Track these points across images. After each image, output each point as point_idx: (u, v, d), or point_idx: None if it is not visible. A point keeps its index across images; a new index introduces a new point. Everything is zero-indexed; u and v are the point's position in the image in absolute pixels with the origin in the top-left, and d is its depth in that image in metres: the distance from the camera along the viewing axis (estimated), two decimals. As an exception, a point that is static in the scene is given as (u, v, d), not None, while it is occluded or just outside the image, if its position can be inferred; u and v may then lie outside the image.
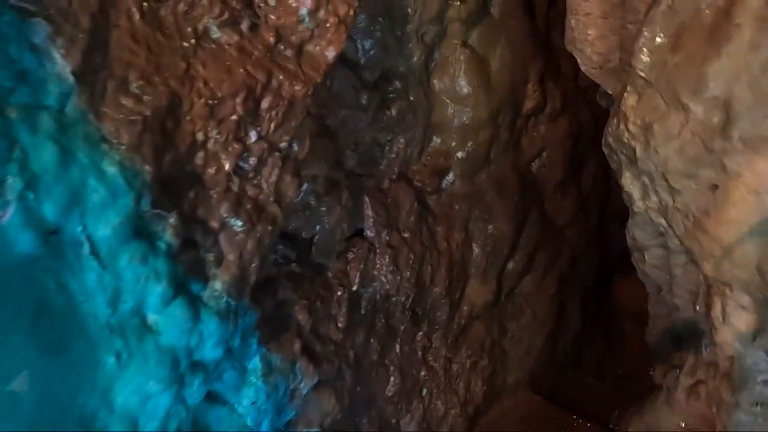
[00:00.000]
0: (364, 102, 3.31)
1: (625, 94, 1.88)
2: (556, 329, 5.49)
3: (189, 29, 2.06)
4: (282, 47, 2.39)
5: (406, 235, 3.93)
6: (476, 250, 4.58)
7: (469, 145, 4.32)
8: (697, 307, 1.99)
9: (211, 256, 2.23)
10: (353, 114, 3.28)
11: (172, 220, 1.99)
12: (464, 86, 4.06)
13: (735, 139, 1.67)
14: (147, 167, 1.87)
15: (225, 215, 2.26)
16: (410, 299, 4.02)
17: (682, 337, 2.44)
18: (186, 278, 2.08)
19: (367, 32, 3.23)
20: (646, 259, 2.13)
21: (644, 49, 1.77)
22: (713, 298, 1.82)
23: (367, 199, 3.69)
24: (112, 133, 1.76)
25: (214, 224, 2.23)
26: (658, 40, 1.75)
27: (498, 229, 4.60)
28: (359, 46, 3.25)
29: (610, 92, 2.67)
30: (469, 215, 4.54)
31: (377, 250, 3.72)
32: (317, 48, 2.50)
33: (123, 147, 1.78)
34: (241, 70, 2.19)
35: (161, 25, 1.96)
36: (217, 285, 2.23)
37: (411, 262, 3.96)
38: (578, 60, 2.63)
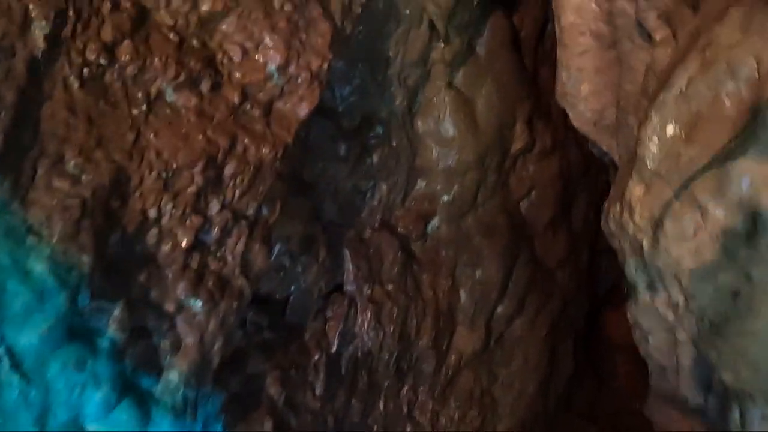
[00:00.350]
0: (342, 153, 3.10)
1: (630, 183, 1.69)
2: (549, 373, 5.27)
3: (139, 94, 1.83)
4: (248, 107, 2.17)
5: (389, 288, 3.70)
6: (464, 296, 4.36)
7: (455, 188, 4.12)
8: (709, 404, 1.79)
9: (166, 344, 1.98)
10: (331, 166, 3.07)
11: (117, 311, 1.75)
12: (450, 129, 3.87)
13: (763, 248, 1.46)
14: (85, 257, 1.63)
15: (182, 296, 2.02)
16: (394, 355, 3.78)
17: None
18: (134, 374, 1.83)
19: (345, 78, 3.03)
20: (649, 341, 1.94)
21: (654, 137, 1.58)
22: (731, 404, 1.62)
23: (347, 251, 3.46)
24: (41, 223, 1.52)
25: (170, 307, 1.99)
26: (669, 129, 1.55)
27: (486, 274, 4.39)
28: (337, 94, 3.04)
29: (605, 149, 2.48)
30: (455, 261, 4.33)
31: (358, 306, 3.48)
32: (288, 105, 2.29)
33: (55, 238, 1.54)
34: (201, 136, 1.96)
35: (106, 92, 1.73)
36: (173, 376, 1.98)
37: (395, 316, 3.73)
38: (570, 115, 2.45)
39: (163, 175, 1.86)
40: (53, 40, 1.56)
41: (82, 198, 1.62)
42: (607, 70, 2.22)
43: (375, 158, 3.46)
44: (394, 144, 3.59)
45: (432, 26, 3.27)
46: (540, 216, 4.93)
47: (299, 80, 2.28)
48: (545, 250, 5.13)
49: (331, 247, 3.29)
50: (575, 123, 2.44)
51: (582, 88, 2.30)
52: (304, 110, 2.32)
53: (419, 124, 3.79)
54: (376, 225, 3.73)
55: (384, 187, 3.66)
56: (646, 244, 1.62)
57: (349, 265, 3.42)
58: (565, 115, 4.95)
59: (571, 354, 5.67)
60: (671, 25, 1.72)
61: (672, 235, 1.57)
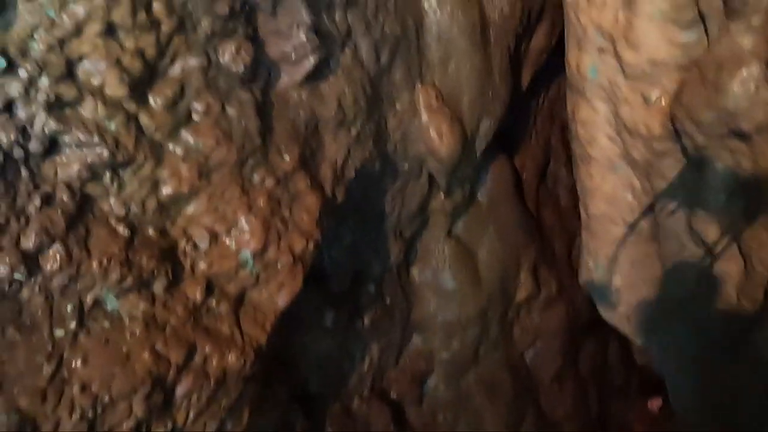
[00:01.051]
0: (329, 323, 2.68)
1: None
2: None
3: (68, 308, 1.43)
4: (213, 303, 1.78)
5: (378, 472, 3.15)
6: (465, 468, 3.80)
7: (454, 343, 3.69)
8: None
9: None
10: (317, 338, 2.64)
11: None
12: (449, 280, 3.50)
13: None
14: None
15: None
16: None
17: None
18: None
19: (336, 239, 2.68)
20: None
21: None
22: None
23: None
24: None
25: None
26: None
27: (489, 439, 3.86)
28: (326, 256, 2.68)
29: (639, 344, 2.09)
30: (455, 425, 3.82)
31: (342, 499, 2.92)
32: (264, 295, 1.90)
33: None
34: (146, 353, 1.54)
35: (19, 314, 1.33)
36: None
37: (385, 505, 3.15)
38: (597, 305, 2.07)
39: (89, 414, 1.41)
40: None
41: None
42: (644, 262, 1.87)
43: (366, 320, 3.05)
44: (388, 302, 3.20)
45: (432, 178, 2.99)
46: (546, 368, 4.48)
47: (279, 266, 1.91)
48: (552, 404, 4.64)
49: (314, 428, 2.79)
50: (604, 314, 2.07)
51: (614, 280, 1.94)
52: (283, 299, 1.93)
53: (416, 275, 3.43)
54: (366, 392, 3.26)
55: (376, 348, 3.22)
56: None
57: (332, 449, 2.89)
58: (569, 258, 4.68)
59: None
60: (737, 242, 1.40)
61: None
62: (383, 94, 2.47)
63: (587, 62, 1.54)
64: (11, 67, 1.32)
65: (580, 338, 4.85)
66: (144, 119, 1.60)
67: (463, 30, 2.69)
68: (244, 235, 1.82)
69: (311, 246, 1.99)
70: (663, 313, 1.81)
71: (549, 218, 4.39)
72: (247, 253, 1.82)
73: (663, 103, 1.41)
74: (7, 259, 1.30)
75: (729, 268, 1.46)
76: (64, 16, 1.38)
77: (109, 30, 1.47)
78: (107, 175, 1.54)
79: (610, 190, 1.74)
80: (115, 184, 1.56)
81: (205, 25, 1.68)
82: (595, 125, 1.63)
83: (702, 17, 1.26)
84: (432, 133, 2.68)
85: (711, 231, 1.44)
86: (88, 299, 1.48)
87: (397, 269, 3.27)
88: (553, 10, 3.11)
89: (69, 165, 1.46)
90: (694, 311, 1.69)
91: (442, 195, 3.17)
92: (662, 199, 1.61)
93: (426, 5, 2.58)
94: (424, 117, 2.66)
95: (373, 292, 3.08)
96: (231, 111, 1.80)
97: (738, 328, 1.47)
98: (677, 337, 1.84)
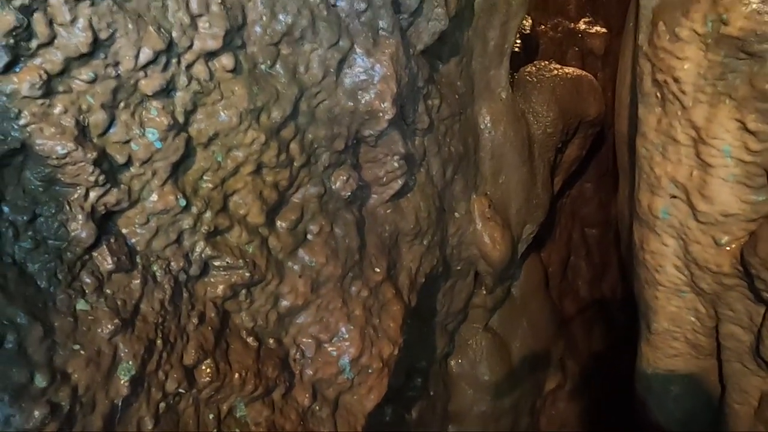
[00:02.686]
0: (388, 418, 2.80)
1: None
2: None
3: (210, 416, 1.58)
4: (317, 407, 1.92)
5: None
6: None
7: (487, 434, 3.78)
8: None
9: None
10: (375, 435, 2.74)
11: None
12: (485, 372, 3.64)
13: None
14: None
15: None
16: None
17: None
18: None
19: (397, 340, 2.84)
20: None
21: None
22: None
23: None
24: None
25: None
26: None
27: None
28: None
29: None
30: None
31: None
32: (355, 398, 2.05)
33: None
34: (270, 459, 1.68)
35: (176, 425, 1.47)
36: None
37: None
38: (654, 412, 2.24)
39: None
40: (137, 380, 1.34)
41: None
42: (702, 376, 2.06)
43: (414, 414, 3.16)
44: (431, 393, 3.33)
45: (476, 276, 3.19)
46: (570, 457, 4.53)
47: (370, 371, 2.07)
48: (575, 495, 4.65)
49: None
50: (660, 419, 2.23)
51: (671, 389, 2.12)
52: (372, 402, 2.08)
53: (453, 364, 3.58)
54: (406, 486, 3.30)
55: (418, 440, 3.31)
56: None
57: None
58: (590, 348, 4.85)
59: None
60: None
61: None
62: (446, 205, 2.72)
63: (659, 205, 1.80)
64: (187, 206, 1.53)
65: (601, 427, 4.92)
66: (272, 242, 1.81)
67: (513, 146, 2.99)
68: (344, 343, 1.99)
69: (396, 351, 2.17)
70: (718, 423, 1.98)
71: (570, 309, 4.60)
72: (346, 360, 1.99)
73: (733, 246, 1.66)
74: (175, 375, 1.46)
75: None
76: (228, 160, 1.62)
77: (258, 169, 1.70)
78: (243, 293, 1.73)
79: (674, 311, 1.95)
80: (248, 300, 1.75)
81: (324, 158, 1.92)
82: (663, 256, 1.86)
83: (771, 182, 1.53)
84: (486, 239, 2.91)
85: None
86: (225, 408, 1.63)
87: (439, 364, 3.42)
88: (587, 125, 3.46)
89: (216, 285, 1.65)
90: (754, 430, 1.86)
91: (484, 292, 3.37)
92: (727, 325, 1.82)
93: (482, 125, 2.88)
94: (479, 224, 2.91)
95: (419, 385, 3.21)
96: (337, 230, 2.02)
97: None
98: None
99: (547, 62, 3.30)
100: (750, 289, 1.69)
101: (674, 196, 1.75)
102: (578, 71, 3.33)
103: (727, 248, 1.68)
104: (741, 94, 1.44)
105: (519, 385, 3.83)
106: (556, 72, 3.21)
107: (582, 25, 4.12)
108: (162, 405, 1.44)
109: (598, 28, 4.10)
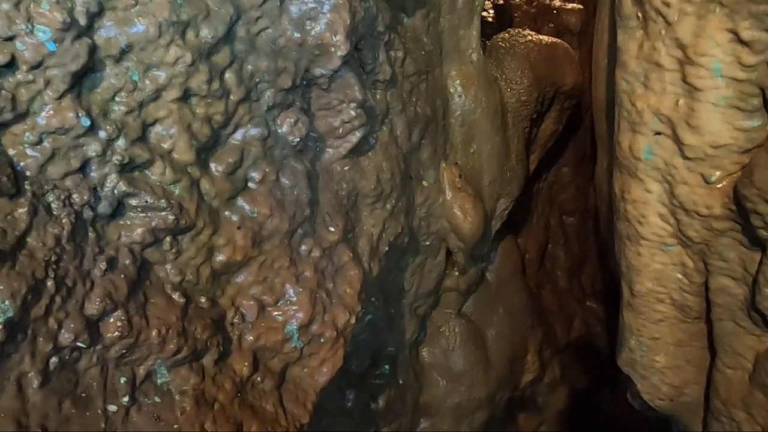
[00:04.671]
0: (350, 404, 2.56)
1: None
2: None
3: (121, 380, 1.33)
4: (258, 379, 1.68)
5: None
6: None
7: (462, 429, 3.56)
8: None
9: None
10: (336, 422, 2.50)
11: None
12: (459, 361, 3.42)
13: None
14: None
15: None
16: None
17: None
18: None
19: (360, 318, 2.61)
20: None
21: None
22: None
23: None
24: None
25: None
26: None
27: None
28: (347, 333, 2.59)
29: (681, 428, 2.04)
30: None
31: None
32: (305, 371, 1.81)
33: None
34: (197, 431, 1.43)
35: (75, 386, 1.22)
36: None
37: None
38: (638, 386, 2.03)
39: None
40: (15, 325, 1.09)
41: None
42: (690, 342, 1.87)
43: (381, 403, 2.92)
44: (401, 381, 3.10)
45: (448, 256, 2.99)
46: (550, 456, 4.33)
47: (322, 340, 1.83)
48: (556, 496, 4.45)
49: None
50: (645, 395, 2.03)
51: (657, 359, 1.93)
52: (324, 376, 1.84)
53: (425, 354, 3.36)
54: (374, 481, 3.06)
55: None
56: None
57: None
58: (568, 340, 4.66)
59: None
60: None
61: None
62: (412, 172, 2.52)
63: (641, 144, 1.61)
64: (92, 128, 1.30)
65: (583, 423, 4.74)
66: (205, 185, 1.58)
67: (485, 113, 2.80)
68: (291, 307, 1.76)
69: (353, 320, 1.94)
70: (718, 402, 1.78)
71: (548, 299, 4.42)
72: (293, 326, 1.75)
73: (725, 183, 1.47)
74: (72, 326, 1.21)
75: (794, 347, 1.48)
76: (147, 81, 1.39)
77: (185, 96, 1.48)
78: (167, 240, 1.49)
79: (658, 268, 1.76)
80: (174, 250, 1.51)
81: (268, 96, 1.70)
82: (647, 205, 1.67)
83: (767, 103, 1.35)
84: (456, 210, 2.71)
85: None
86: (141, 371, 1.38)
87: (409, 352, 3.20)
88: (564, 97, 3.29)
89: (133, 228, 1.41)
90: (749, 396, 1.67)
91: (456, 273, 3.16)
92: (718, 278, 1.63)
93: (452, 89, 2.69)
94: (449, 194, 2.70)
95: (387, 372, 2.98)
96: (284, 180, 1.80)
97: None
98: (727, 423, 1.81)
99: (520, 29, 3.14)
100: (744, 232, 1.50)
101: (658, 133, 1.56)
102: (553, 39, 3.17)
103: (718, 186, 1.49)
104: (733, -1, 1.26)
105: (495, 377, 3.62)
106: (530, 38, 3.04)
107: (557, 2, 3.98)
108: (53, 360, 1.19)
109: (574, 5, 3.96)
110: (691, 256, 1.69)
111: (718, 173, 1.48)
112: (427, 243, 2.79)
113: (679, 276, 1.74)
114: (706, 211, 1.53)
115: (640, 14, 1.49)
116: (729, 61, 1.35)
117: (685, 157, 1.52)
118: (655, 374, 1.98)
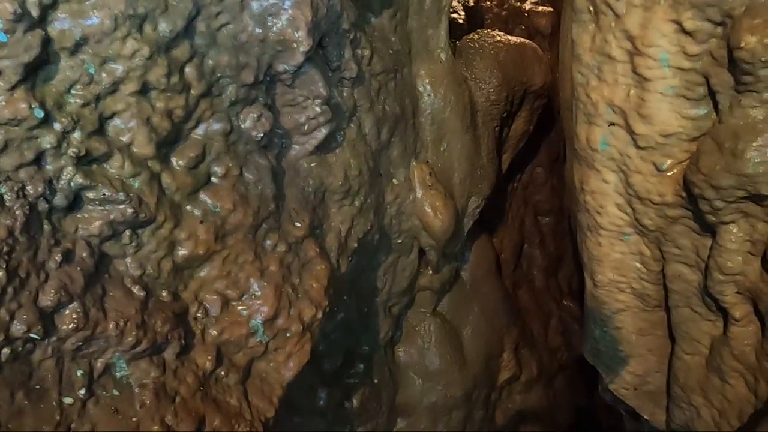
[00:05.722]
0: (322, 402, 2.55)
1: None
2: None
3: (78, 373, 1.32)
4: (222, 373, 1.68)
5: None
6: None
7: (439, 428, 3.57)
8: None
9: None
10: (308, 421, 2.50)
11: None
12: (435, 360, 3.43)
13: None
14: None
15: None
16: None
17: None
18: None
19: (331, 314, 2.61)
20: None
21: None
22: None
23: None
24: None
25: None
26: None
27: None
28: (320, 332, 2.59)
29: (646, 417, 2.07)
30: None
31: None
32: (271, 366, 1.81)
33: None
34: (156, 426, 1.42)
35: (29, 379, 1.21)
36: None
37: None
38: (604, 376, 2.06)
39: (94, 494, 1.26)
40: (-35, 315, 1.09)
41: None
42: (651, 331, 1.91)
43: (355, 402, 2.92)
44: (375, 381, 3.10)
45: (421, 254, 3.01)
46: (528, 455, 4.35)
47: (288, 334, 1.84)
48: (535, 494, 4.47)
49: None
50: (611, 385, 2.06)
51: (620, 349, 1.96)
52: (290, 371, 1.85)
53: (401, 353, 3.37)
54: (349, 483, 3.05)
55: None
56: None
57: None
58: (546, 340, 4.70)
59: None
60: (755, 302, 1.46)
61: None
62: (382, 169, 2.54)
63: (597, 135, 1.65)
64: (46, 120, 1.30)
65: (561, 423, 4.76)
66: (166, 179, 1.58)
67: (454, 112, 2.83)
68: (256, 301, 1.76)
69: (320, 315, 1.95)
70: (677, 388, 1.82)
71: (525, 299, 4.45)
72: (258, 321, 1.75)
73: (675, 170, 1.51)
74: (25, 317, 1.21)
75: (746, 331, 1.51)
76: (103, 73, 1.39)
77: (144, 89, 1.48)
78: (126, 234, 1.49)
79: (618, 257, 1.79)
80: (133, 244, 1.51)
81: (230, 91, 1.71)
82: (604, 195, 1.71)
83: (711, 93, 1.39)
84: (426, 208, 2.73)
85: (728, 294, 1.50)
86: (99, 365, 1.38)
87: (384, 351, 3.21)
88: (533, 97, 3.34)
89: (90, 221, 1.41)
90: (706, 381, 1.71)
91: (430, 272, 3.18)
92: (674, 265, 1.67)
93: (421, 87, 2.72)
94: (419, 192, 2.73)
95: (362, 371, 2.98)
96: (248, 175, 1.80)
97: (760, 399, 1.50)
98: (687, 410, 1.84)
99: (489, 30, 3.18)
100: (695, 218, 1.54)
101: (612, 123, 1.60)
102: (522, 39, 3.22)
103: (669, 174, 1.53)
104: (675, -10, 1.30)
105: (471, 375, 3.64)
106: (498, 39, 3.08)
107: (528, 5, 4.05)
108: (5, 351, 1.18)
109: (545, 8, 4.03)
110: (647, 245, 1.72)
111: (668, 161, 1.52)
112: (399, 241, 2.81)
113: (638, 265, 1.78)
114: (659, 199, 1.56)
115: (591, 8, 1.53)
116: (675, 51, 1.39)
117: (638, 147, 1.56)
118: (619, 364, 2.01)
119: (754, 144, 1.28)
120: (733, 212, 1.39)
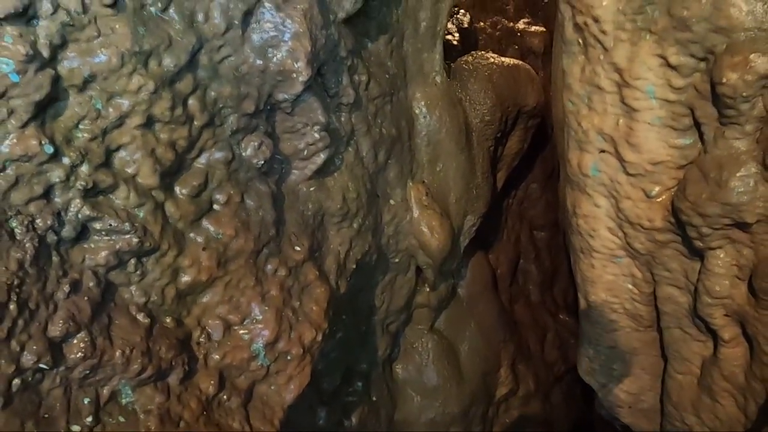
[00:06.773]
0: (322, 422, 2.58)
1: None
2: None
3: (85, 401, 1.35)
4: (224, 397, 1.71)
5: None
6: None
7: (437, 444, 3.59)
8: None
9: None
10: (308, 439, 2.52)
11: None
12: (433, 377, 3.46)
13: None
14: None
15: None
16: None
17: None
18: None
19: (331, 333, 2.64)
20: None
21: None
22: None
23: None
24: None
25: None
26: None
27: None
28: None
29: (640, 434, 2.11)
30: None
31: None
32: (272, 389, 1.85)
33: None
34: (161, 451, 1.45)
35: (38, 408, 1.25)
36: None
37: None
38: (599, 394, 2.10)
39: None
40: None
41: None
42: (644, 351, 1.95)
43: (354, 420, 2.95)
44: (374, 399, 3.13)
45: (418, 272, 3.05)
46: (526, 469, 4.36)
47: (288, 357, 1.87)
48: None
49: None
50: (606, 403, 2.09)
51: (614, 368, 2.00)
52: (291, 393, 1.88)
53: (399, 370, 3.40)
54: (350, 500, 3.06)
55: (361, 450, 3.08)
56: None
57: None
58: (543, 354, 4.73)
59: None
60: (743, 325, 1.50)
61: None
62: (379, 191, 2.58)
63: (588, 162, 1.70)
64: (56, 155, 1.34)
65: (558, 435, 4.78)
66: (170, 208, 1.62)
67: (450, 133, 2.89)
68: (257, 326, 1.80)
69: (320, 337, 1.98)
70: (671, 406, 1.86)
71: (521, 314, 4.48)
72: (259, 345, 1.79)
73: (664, 197, 1.56)
74: (35, 348, 1.24)
75: (735, 352, 1.56)
76: (110, 108, 1.44)
77: (148, 122, 1.53)
78: (132, 263, 1.53)
79: (611, 279, 1.84)
80: (138, 272, 1.55)
81: (231, 121, 1.76)
82: (596, 219, 1.76)
83: (697, 124, 1.45)
84: (423, 228, 2.78)
85: (716, 317, 1.55)
86: (105, 392, 1.41)
87: (382, 368, 3.24)
88: (527, 117, 3.41)
89: (97, 251, 1.45)
90: (698, 400, 1.75)
91: (427, 289, 3.22)
92: (664, 287, 1.72)
93: (416, 110, 2.78)
94: (416, 212, 2.77)
95: (360, 389, 3.01)
96: (249, 202, 1.85)
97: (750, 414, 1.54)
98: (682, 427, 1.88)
99: (483, 52, 3.25)
100: (684, 243, 1.59)
101: (603, 150, 1.65)
102: (515, 60, 3.29)
103: (658, 200, 1.58)
104: (660, 26, 1.36)
105: (469, 391, 3.66)
106: (492, 60, 3.15)
107: (521, 25, 4.12)
108: (16, 382, 1.21)
109: (537, 28, 4.11)
110: (639, 267, 1.77)
111: (657, 188, 1.57)
112: (396, 260, 2.85)
113: (630, 286, 1.83)
114: (648, 224, 1.61)
115: (580, 40, 1.59)
116: (661, 84, 1.45)
117: (628, 174, 1.61)
118: (613, 382, 2.05)
119: (738, 174, 1.33)
120: (720, 238, 1.45)
